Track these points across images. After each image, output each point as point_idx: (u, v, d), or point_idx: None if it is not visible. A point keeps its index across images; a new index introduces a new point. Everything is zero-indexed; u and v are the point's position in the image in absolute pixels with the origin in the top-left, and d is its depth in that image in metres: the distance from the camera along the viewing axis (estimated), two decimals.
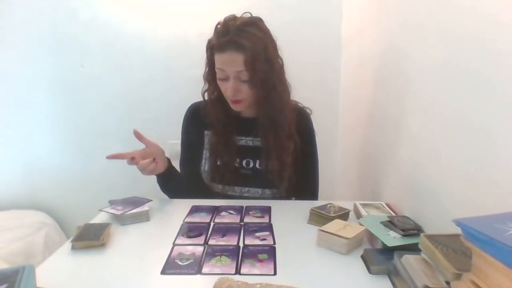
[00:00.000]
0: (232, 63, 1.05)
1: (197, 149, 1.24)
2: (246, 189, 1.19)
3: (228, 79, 1.07)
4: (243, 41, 1.03)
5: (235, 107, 1.14)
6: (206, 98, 1.21)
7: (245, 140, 1.21)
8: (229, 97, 1.11)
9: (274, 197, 1.19)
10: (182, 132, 1.29)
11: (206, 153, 1.22)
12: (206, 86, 1.19)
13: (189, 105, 1.28)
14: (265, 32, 1.10)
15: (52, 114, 1.85)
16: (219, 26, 1.08)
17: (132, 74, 1.80)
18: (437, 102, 0.86)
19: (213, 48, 1.09)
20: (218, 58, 1.08)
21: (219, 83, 1.12)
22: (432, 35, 0.89)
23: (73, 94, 1.83)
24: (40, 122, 1.85)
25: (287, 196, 1.20)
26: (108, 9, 1.73)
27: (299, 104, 1.25)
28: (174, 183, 1.20)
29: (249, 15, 1.10)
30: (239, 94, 1.09)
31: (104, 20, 1.74)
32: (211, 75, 1.15)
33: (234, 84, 1.07)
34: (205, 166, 1.22)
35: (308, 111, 1.26)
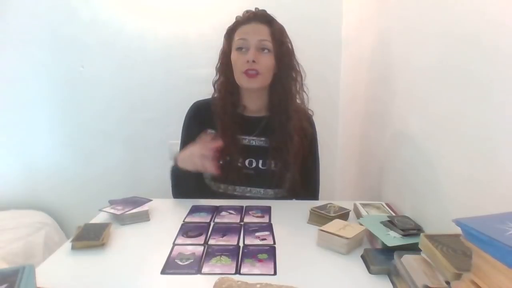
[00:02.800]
0: (256, 31, 1.10)
1: None
2: (248, 189, 1.19)
3: (247, 50, 1.10)
4: (269, 17, 1.12)
5: (248, 82, 1.12)
6: (214, 91, 1.22)
7: (248, 139, 1.21)
8: (245, 68, 1.10)
9: (276, 197, 1.19)
10: (183, 130, 1.27)
11: None
12: (217, 77, 1.21)
13: (189, 105, 1.28)
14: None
15: (52, 114, 1.85)
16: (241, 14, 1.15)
17: (132, 74, 1.80)
18: (437, 101, 0.86)
19: (235, 26, 1.14)
20: (241, 29, 1.12)
21: (236, 55, 1.12)
22: (431, 34, 0.89)
23: (73, 94, 1.82)
24: (40, 122, 1.85)
25: (288, 197, 1.20)
26: (108, 9, 1.73)
27: (301, 106, 1.25)
28: (191, 179, 1.16)
29: None
30: (257, 64, 1.09)
31: (104, 20, 1.74)
32: (224, 65, 1.17)
33: (255, 52, 1.09)
34: None
35: (310, 112, 1.26)
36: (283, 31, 1.14)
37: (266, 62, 1.10)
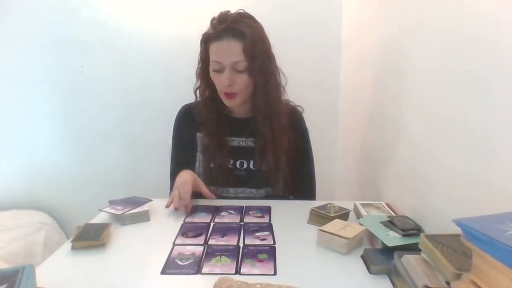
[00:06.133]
0: (229, 52, 1.05)
1: (189, 152, 1.23)
2: (241, 189, 1.19)
3: (223, 71, 1.07)
4: (241, 27, 1.05)
5: (229, 103, 1.13)
6: (198, 96, 1.21)
7: (237, 141, 1.20)
8: (223, 89, 1.10)
9: (268, 196, 1.19)
10: (174, 134, 1.28)
11: (199, 156, 1.22)
12: (198, 83, 1.20)
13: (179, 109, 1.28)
14: (260, 26, 1.12)
15: (52, 114, 1.85)
16: (214, 20, 1.10)
17: (132, 74, 1.79)
18: (437, 102, 0.86)
19: (209, 39, 1.09)
20: (215, 47, 1.08)
21: (213, 75, 1.11)
22: (432, 35, 0.89)
23: (73, 94, 1.82)
24: (40, 122, 1.85)
25: (283, 196, 1.20)
26: (108, 9, 1.73)
27: (291, 103, 1.24)
28: None
29: (243, 11, 1.12)
30: (233, 85, 1.08)
31: (104, 20, 1.74)
32: (204, 71, 1.16)
33: (230, 73, 1.06)
34: (199, 168, 1.21)
35: (299, 109, 1.26)
36: (257, 42, 1.06)
37: (242, 82, 1.08)
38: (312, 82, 1.73)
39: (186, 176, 1.07)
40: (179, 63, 1.76)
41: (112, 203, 1.03)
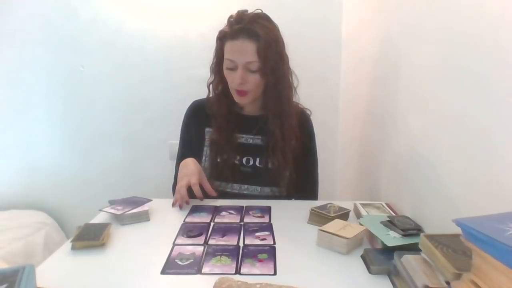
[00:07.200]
0: (243, 52, 1.07)
1: (196, 146, 1.24)
2: (246, 186, 1.19)
3: (236, 69, 1.09)
4: (256, 29, 1.07)
5: (239, 100, 1.15)
6: (211, 90, 1.23)
7: (245, 137, 1.22)
8: (235, 87, 1.12)
9: (273, 195, 1.19)
10: (182, 128, 1.29)
11: (206, 150, 1.23)
12: (212, 78, 1.21)
13: (189, 105, 1.29)
14: (276, 27, 1.14)
15: (52, 114, 1.85)
16: (232, 18, 1.12)
17: (132, 74, 1.79)
18: (437, 101, 0.86)
19: (224, 37, 1.11)
20: (229, 46, 1.10)
21: (226, 73, 1.13)
22: (432, 34, 0.89)
23: (73, 94, 1.82)
24: (40, 122, 1.85)
25: (286, 195, 1.20)
26: (108, 9, 1.73)
27: (300, 105, 1.26)
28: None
29: (260, 11, 1.13)
30: (246, 84, 1.10)
31: (104, 20, 1.73)
32: (218, 67, 1.17)
33: (243, 72, 1.08)
34: (205, 163, 1.22)
35: (308, 112, 1.27)
36: (271, 44, 1.08)
37: (254, 81, 1.10)
38: (312, 78, 1.72)
39: (192, 168, 1.10)
40: (179, 63, 1.76)
41: (112, 203, 1.03)
